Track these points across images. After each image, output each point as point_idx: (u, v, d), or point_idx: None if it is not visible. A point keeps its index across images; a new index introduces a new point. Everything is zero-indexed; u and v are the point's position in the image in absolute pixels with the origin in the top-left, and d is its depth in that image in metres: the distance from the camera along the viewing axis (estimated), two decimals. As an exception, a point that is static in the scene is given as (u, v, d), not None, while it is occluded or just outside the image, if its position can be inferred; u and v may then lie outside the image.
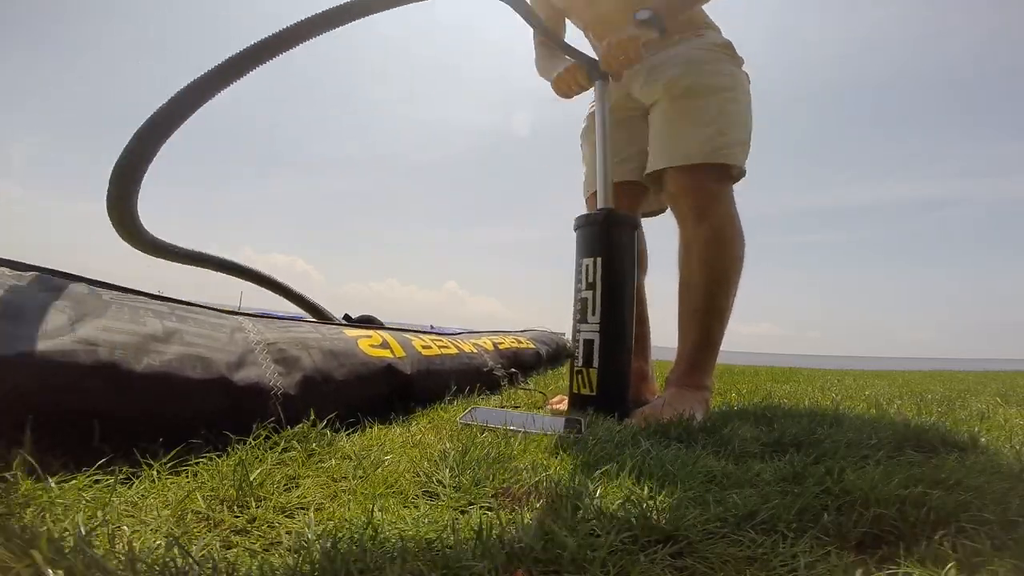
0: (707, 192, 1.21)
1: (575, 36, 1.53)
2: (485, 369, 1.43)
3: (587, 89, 1.38)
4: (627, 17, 1.24)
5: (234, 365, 0.72)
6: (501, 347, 1.72)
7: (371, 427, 0.85)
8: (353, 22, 0.95)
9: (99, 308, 0.66)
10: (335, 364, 0.89)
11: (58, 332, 0.58)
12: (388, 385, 1.00)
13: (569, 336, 1.26)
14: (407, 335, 1.20)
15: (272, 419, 0.73)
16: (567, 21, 1.53)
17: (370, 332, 1.07)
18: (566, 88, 1.40)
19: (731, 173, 1.25)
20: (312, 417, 0.76)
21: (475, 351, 1.47)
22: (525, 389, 1.51)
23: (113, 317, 0.66)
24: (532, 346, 2.08)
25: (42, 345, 0.56)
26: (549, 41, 1.41)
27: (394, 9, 0.99)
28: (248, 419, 0.70)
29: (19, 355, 0.54)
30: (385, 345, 1.05)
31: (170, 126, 0.84)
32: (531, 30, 1.48)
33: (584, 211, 1.32)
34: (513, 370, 1.55)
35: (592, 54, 1.39)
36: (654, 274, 1.54)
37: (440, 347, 1.26)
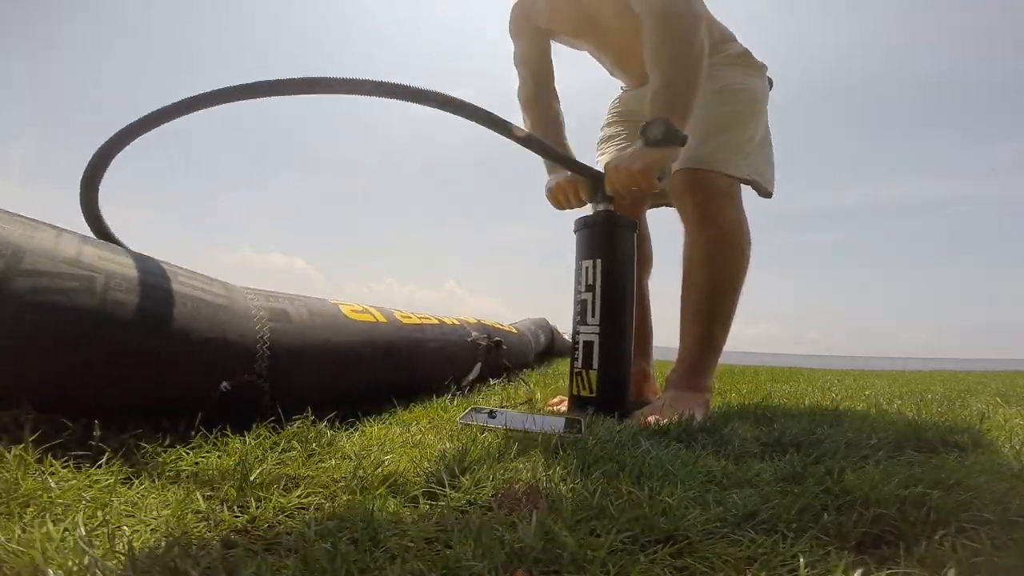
0: (714, 192, 1.19)
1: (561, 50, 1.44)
2: (468, 339, 1.47)
3: (584, 205, 1.23)
4: (625, 42, 1.17)
5: (226, 308, 0.77)
6: (484, 323, 1.78)
7: (371, 426, 0.85)
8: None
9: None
10: (320, 321, 0.94)
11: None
12: (370, 345, 1.04)
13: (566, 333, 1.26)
14: (389, 309, 1.25)
15: (261, 369, 0.78)
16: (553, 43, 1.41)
17: (351, 302, 1.12)
18: (563, 201, 1.27)
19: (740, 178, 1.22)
20: (311, 416, 0.76)
21: (457, 323, 1.51)
22: (520, 381, 1.52)
23: (117, 251, 0.71)
24: (516, 331, 2.15)
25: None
26: (554, 161, 1.23)
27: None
28: (238, 366, 0.75)
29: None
30: (366, 312, 1.10)
31: (127, 139, 0.88)
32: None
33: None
34: (497, 339, 1.58)
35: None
36: (655, 274, 1.54)
37: (421, 318, 1.31)
